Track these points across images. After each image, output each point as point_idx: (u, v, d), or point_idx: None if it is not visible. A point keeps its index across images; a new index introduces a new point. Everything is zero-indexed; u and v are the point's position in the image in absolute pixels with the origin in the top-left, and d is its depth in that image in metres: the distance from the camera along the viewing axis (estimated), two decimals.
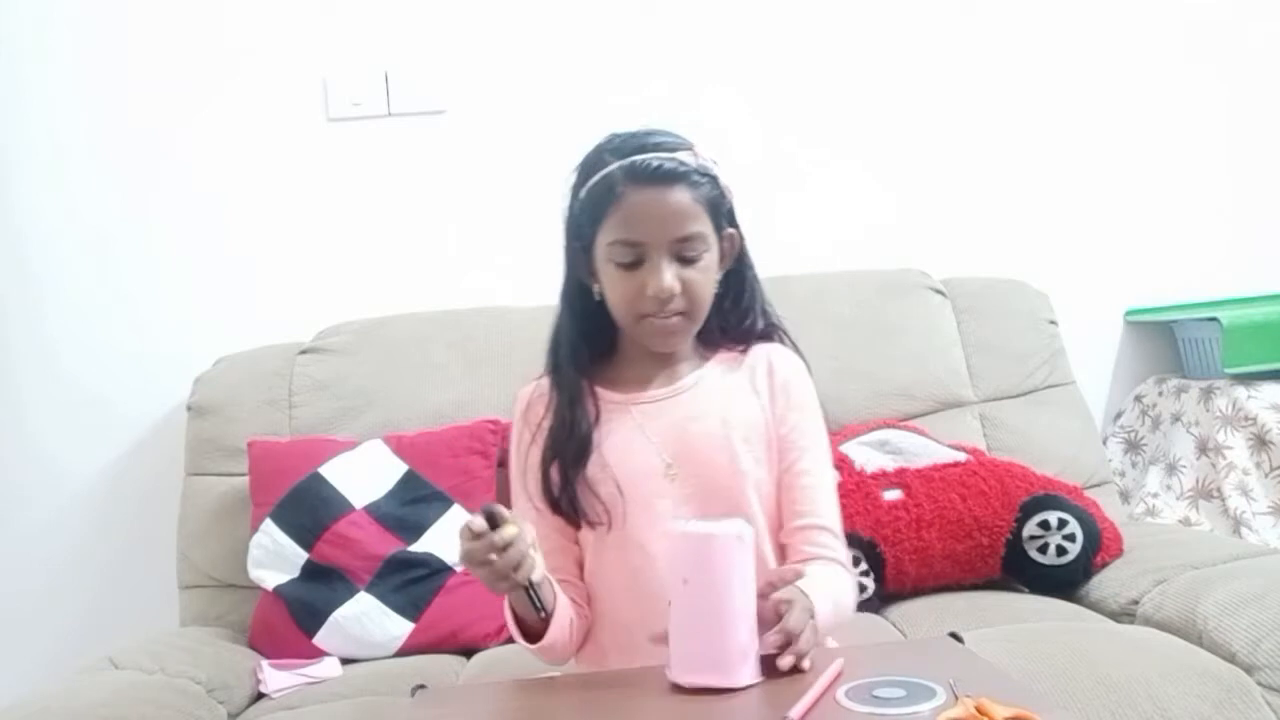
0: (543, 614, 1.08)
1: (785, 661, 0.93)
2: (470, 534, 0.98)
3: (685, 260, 1.15)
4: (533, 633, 1.11)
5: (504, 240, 2.10)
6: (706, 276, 1.17)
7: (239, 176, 2.11)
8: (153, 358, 2.08)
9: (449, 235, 2.13)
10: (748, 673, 0.93)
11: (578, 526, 1.20)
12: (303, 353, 1.96)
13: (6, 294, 2.10)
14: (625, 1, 2.14)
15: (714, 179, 1.16)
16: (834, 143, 2.17)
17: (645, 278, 1.14)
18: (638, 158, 1.13)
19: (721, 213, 1.18)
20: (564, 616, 1.12)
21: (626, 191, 1.13)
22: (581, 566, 1.22)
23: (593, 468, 1.17)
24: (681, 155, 1.14)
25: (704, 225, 1.15)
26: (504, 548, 0.98)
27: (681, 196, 1.13)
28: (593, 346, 1.23)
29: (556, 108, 2.09)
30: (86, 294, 2.10)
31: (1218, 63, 2.21)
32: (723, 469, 1.16)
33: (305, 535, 1.71)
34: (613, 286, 1.16)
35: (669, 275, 1.13)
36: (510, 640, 1.63)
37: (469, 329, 1.96)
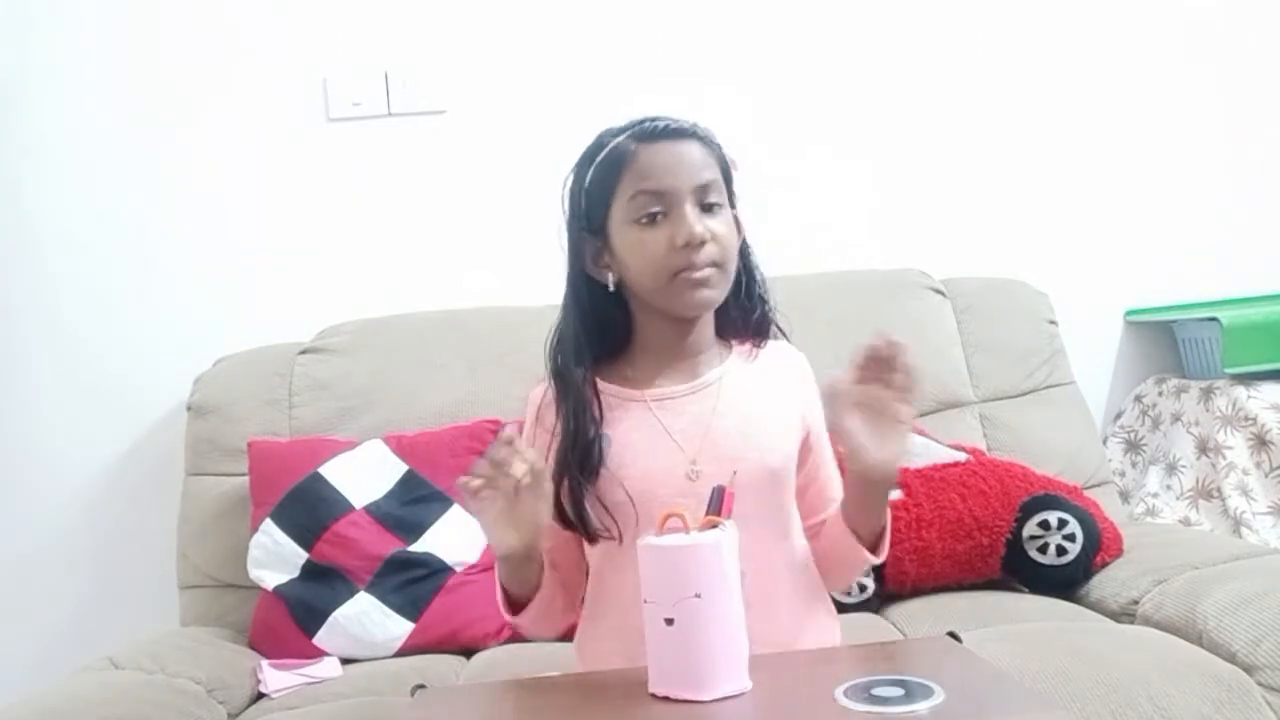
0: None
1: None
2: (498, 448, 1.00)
3: (708, 209, 1.11)
4: (517, 605, 1.11)
5: (504, 240, 2.10)
6: (730, 230, 1.13)
7: (239, 176, 2.12)
8: (153, 358, 2.08)
9: (449, 235, 2.13)
10: (731, 684, 0.89)
11: (592, 541, 1.14)
12: (303, 353, 1.96)
13: (7, 294, 2.10)
14: (626, 1, 2.14)
15: (720, 146, 1.15)
16: (834, 142, 2.17)
17: (672, 229, 1.08)
18: (645, 124, 1.12)
19: (731, 183, 1.16)
20: (547, 596, 1.12)
21: (639, 150, 1.10)
22: (581, 569, 1.19)
23: (603, 474, 1.11)
24: (686, 122, 1.13)
25: (720, 179, 1.13)
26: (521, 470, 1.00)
27: (696, 149, 1.12)
28: (601, 343, 1.17)
29: (557, 108, 2.09)
30: (86, 293, 2.10)
31: (1217, 63, 2.21)
32: (751, 466, 1.10)
33: (305, 535, 1.71)
34: (636, 251, 1.10)
35: (697, 221, 1.09)
36: (510, 640, 1.66)
37: (469, 329, 1.96)
